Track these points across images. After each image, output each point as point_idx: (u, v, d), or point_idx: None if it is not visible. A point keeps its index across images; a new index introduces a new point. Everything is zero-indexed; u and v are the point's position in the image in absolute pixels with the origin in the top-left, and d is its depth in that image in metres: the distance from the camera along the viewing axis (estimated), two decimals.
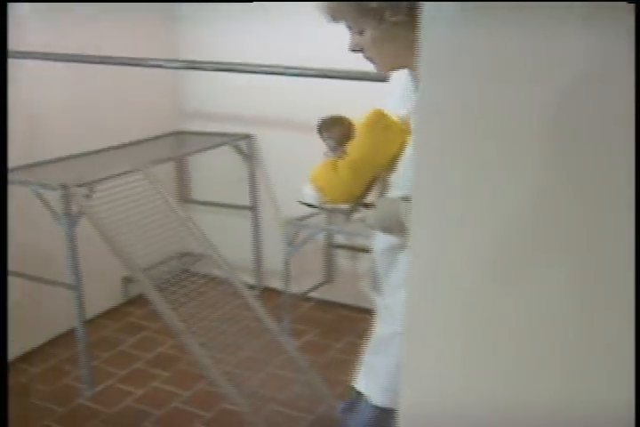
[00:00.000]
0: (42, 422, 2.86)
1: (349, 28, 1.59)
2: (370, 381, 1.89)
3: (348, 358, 3.15)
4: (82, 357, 2.99)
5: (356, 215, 1.70)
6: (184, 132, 3.99)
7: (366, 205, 1.68)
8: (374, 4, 1.48)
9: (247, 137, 3.80)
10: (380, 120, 1.64)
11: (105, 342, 3.48)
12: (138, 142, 3.72)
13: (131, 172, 3.10)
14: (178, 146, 3.94)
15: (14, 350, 3.33)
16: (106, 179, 2.96)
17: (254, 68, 2.92)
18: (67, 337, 3.46)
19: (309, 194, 1.73)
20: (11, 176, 3.02)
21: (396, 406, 1.69)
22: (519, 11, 0.85)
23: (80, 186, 2.86)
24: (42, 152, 3.26)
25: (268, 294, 3.87)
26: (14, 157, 3.13)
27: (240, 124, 3.82)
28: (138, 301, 3.90)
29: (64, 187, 2.79)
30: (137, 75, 3.57)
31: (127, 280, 3.89)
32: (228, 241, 3.39)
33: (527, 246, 0.92)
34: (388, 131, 1.64)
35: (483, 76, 0.88)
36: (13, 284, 3.22)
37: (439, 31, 0.91)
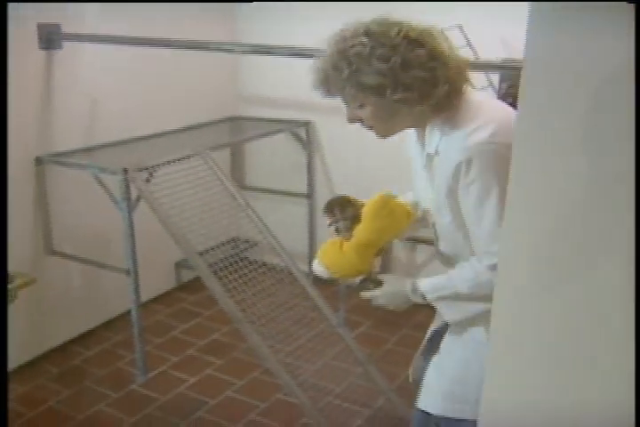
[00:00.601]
0: (96, 406, 2.82)
1: (346, 102, 1.61)
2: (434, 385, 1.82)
3: (405, 352, 3.08)
4: (136, 341, 2.95)
5: (365, 293, 1.78)
6: (242, 118, 3.93)
7: (375, 281, 1.77)
8: (373, 82, 1.49)
9: (306, 124, 3.72)
10: (384, 206, 1.74)
11: (158, 328, 3.45)
12: (196, 127, 3.67)
13: (191, 156, 3.04)
14: (235, 131, 3.88)
15: (69, 332, 3.31)
16: (165, 163, 2.90)
17: (322, 54, 2.82)
18: (120, 321, 3.43)
19: (318, 269, 1.83)
20: (70, 159, 2.99)
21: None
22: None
23: (140, 170, 2.81)
24: (101, 135, 3.22)
25: (320, 283, 3.78)
26: (74, 141, 3.11)
27: (295, 110, 3.74)
28: (190, 286, 3.86)
29: (125, 171, 2.73)
30: (196, 60, 3.51)
31: (179, 266, 3.84)
32: (282, 228, 3.31)
33: None
34: (392, 216, 1.74)
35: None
36: (71, 267, 3.20)
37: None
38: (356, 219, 1.77)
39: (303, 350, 2.79)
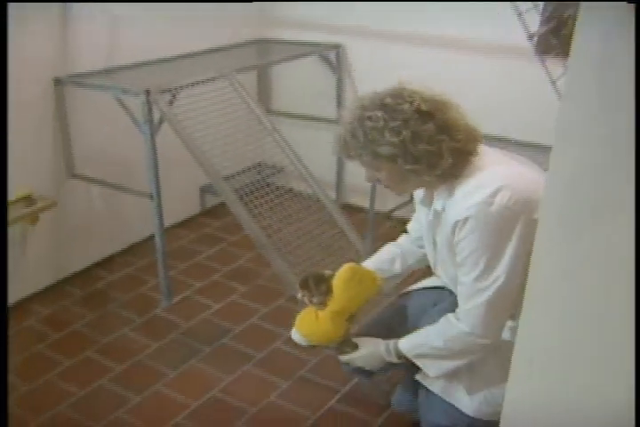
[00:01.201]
0: (120, 331, 2.79)
1: (364, 166, 1.77)
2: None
3: None
4: (159, 266, 2.89)
5: (343, 356, 1.95)
6: (269, 40, 3.75)
7: (351, 345, 1.93)
8: (386, 152, 1.64)
9: (336, 47, 3.55)
10: (353, 277, 1.91)
11: (182, 253, 3.39)
12: (221, 49, 3.51)
13: (216, 78, 2.91)
14: (262, 54, 3.71)
15: (92, 255, 3.27)
16: (189, 85, 2.77)
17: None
18: (143, 246, 3.38)
19: (296, 337, 2.02)
20: (91, 81, 2.86)
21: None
22: None
23: (163, 92, 2.68)
24: (123, 57, 3.07)
25: (347, 211, 3.70)
26: (94, 62, 2.98)
27: (325, 32, 3.56)
28: (214, 212, 3.79)
29: (147, 92, 2.61)
30: None
31: (204, 191, 3.76)
32: (309, 155, 3.19)
33: None
34: (360, 285, 1.91)
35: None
36: (93, 191, 3.13)
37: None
38: (328, 291, 1.92)
39: None
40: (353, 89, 3.62)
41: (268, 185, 2.83)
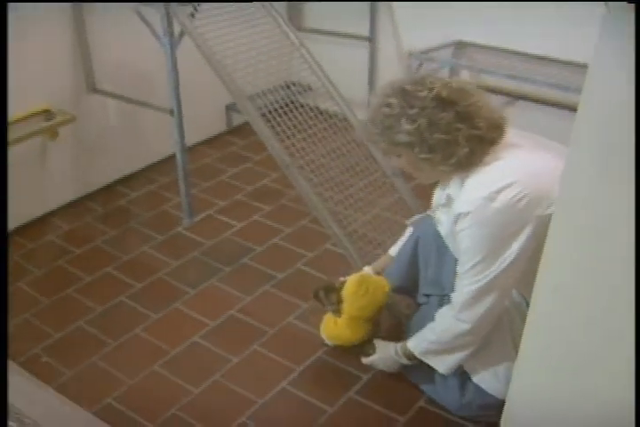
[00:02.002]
0: (140, 248, 2.75)
1: (384, 153, 1.81)
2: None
3: None
4: (180, 184, 2.81)
5: (366, 359, 2.11)
6: None
7: (372, 347, 2.10)
8: (403, 140, 1.63)
9: None
10: (360, 287, 2.07)
11: (205, 171, 3.31)
12: None
13: None
14: None
15: (113, 172, 3.20)
16: None
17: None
18: (166, 163, 3.30)
19: (326, 341, 2.20)
20: None
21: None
22: None
23: (184, 4, 2.53)
24: None
25: None
26: None
27: None
28: (241, 130, 3.68)
29: (166, 4, 2.47)
30: None
31: (230, 108, 3.65)
32: (340, 73, 3.04)
33: None
34: (368, 294, 2.07)
35: None
36: (114, 106, 3.03)
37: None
38: (340, 300, 2.11)
39: (354, 199, 2.63)
40: (387, 4, 3.42)
41: (293, 104, 2.71)
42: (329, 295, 2.14)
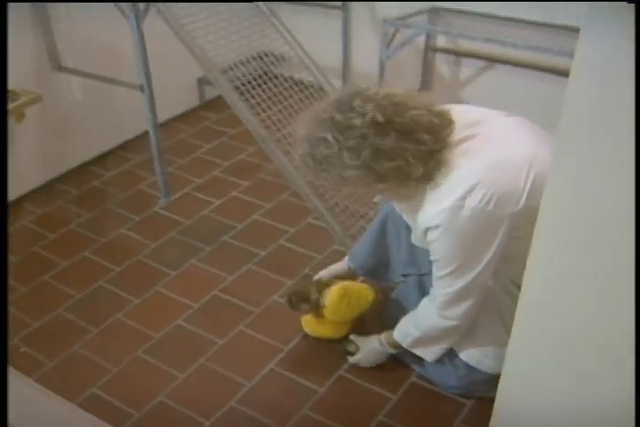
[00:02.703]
0: (117, 230, 2.66)
1: (339, 185, 1.68)
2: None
3: None
4: (155, 162, 2.71)
5: (351, 359, 2.05)
6: None
7: (354, 345, 2.06)
8: (352, 175, 1.53)
9: None
10: (341, 301, 2.02)
11: (180, 148, 3.20)
12: None
13: None
14: None
15: (85, 152, 3.09)
16: None
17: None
18: (139, 141, 3.19)
19: (307, 332, 2.14)
20: None
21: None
22: None
23: None
24: None
25: None
26: None
27: None
28: (214, 104, 3.57)
29: None
30: None
31: (203, 82, 3.53)
32: (314, 42, 2.93)
33: None
34: (350, 306, 2.03)
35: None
36: (82, 84, 2.91)
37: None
38: (316, 307, 2.07)
39: None
40: None
41: (267, 75, 2.62)
42: (299, 303, 2.09)
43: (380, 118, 1.44)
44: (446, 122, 1.54)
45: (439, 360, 1.92)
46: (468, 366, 1.88)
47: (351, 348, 2.06)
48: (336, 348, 2.09)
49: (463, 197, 1.48)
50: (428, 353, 1.88)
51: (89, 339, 2.16)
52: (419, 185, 1.54)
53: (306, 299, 2.07)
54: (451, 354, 1.90)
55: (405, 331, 1.88)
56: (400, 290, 2.08)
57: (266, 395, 1.97)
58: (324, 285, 2.09)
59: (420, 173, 1.49)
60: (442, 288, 1.67)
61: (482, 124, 1.60)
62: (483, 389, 1.91)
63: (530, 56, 2.93)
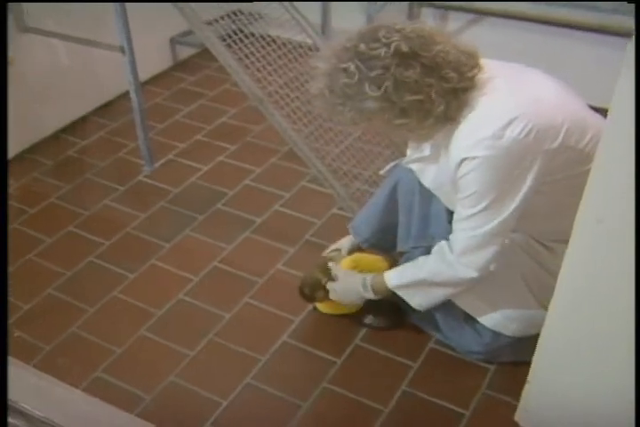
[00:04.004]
0: (102, 202, 2.50)
1: (354, 122, 1.56)
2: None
3: None
4: (138, 128, 2.53)
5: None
6: None
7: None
8: (371, 107, 1.46)
9: None
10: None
11: (158, 112, 3.00)
12: None
13: None
14: None
15: (58, 119, 2.89)
16: None
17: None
18: (115, 106, 3.02)
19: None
20: None
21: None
22: None
23: None
24: None
25: None
26: None
27: None
28: (188, 65, 3.39)
29: None
30: None
31: (175, 42, 3.33)
32: None
33: None
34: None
35: None
36: (50, 46, 2.71)
37: None
38: (326, 295, 1.92)
39: (323, 129, 2.42)
40: None
41: (243, 33, 2.44)
42: (314, 294, 1.95)
43: (405, 48, 1.39)
44: (474, 62, 1.49)
45: (463, 327, 1.84)
46: (492, 332, 1.80)
47: (368, 319, 1.98)
48: (349, 317, 1.99)
49: (504, 128, 1.42)
50: (417, 299, 1.76)
51: (86, 319, 2.02)
52: (438, 124, 1.49)
53: (318, 286, 1.93)
54: (470, 319, 1.82)
55: (403, 272, 1.76)
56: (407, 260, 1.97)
57: (282, 369, 1.87)
58: (316, 281, 1.95)
59: (441, 111, 1.45)
60: (470, 230, 1.56)
61: (507, 68, 1.56)
62: (507, 353, 1.84)
63: (519, 7, 2.82)
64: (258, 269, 2.18)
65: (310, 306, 2.04)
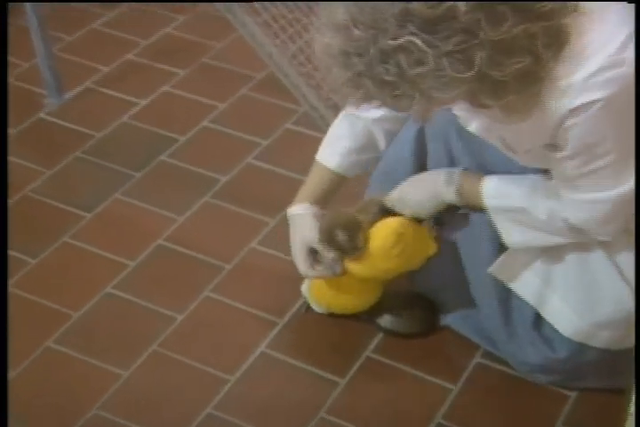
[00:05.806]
0: None
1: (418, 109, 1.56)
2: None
3: None
4: (35, 36, 2.59)
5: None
6: None
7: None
8: (454, 92, 1.42)
9: None
10: (393, 248, 1.93)
11: (64, 16, 3.03)
12: None
13: None
14: None
15: None
16: None
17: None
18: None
19: (315, 308, 2.14)
20: None
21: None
22: None
23: None
24: None
25: None
26: None
27: None
28: None
29: None
30: None
31: None
32: None
33: None
34: (401, 256, 1.95)
35: None
36: None
37: None
38: (353, 248, 1.95)
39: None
40: None
41: None
42: (354, 236, 1.94)
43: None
44: None
45: (521, 333, 1.92)
46: (571, 343, 1.87)
47: (384, 321, 2.06)
48: (355, 319, 2.10)
49: (621, 48, 1.44)
50: (515, 231, 1.82)
51: None
52: (543, 90, 1.50)
53: (358, 228, 1.95)
54: (538, 324, 1.90)
55: (505, 192, 1.81)
56: (458, 237, 2.03)
57: (260, 394, 1.96)
58: (355, 221, 1.98)
59: (551, 67, 1.43)
60: (590, 201, 1.65)
61: None
62: (592, 374, 1.92)
63: None
64: (223, 251, 2.28)
65: (298, 305, 2.14)
